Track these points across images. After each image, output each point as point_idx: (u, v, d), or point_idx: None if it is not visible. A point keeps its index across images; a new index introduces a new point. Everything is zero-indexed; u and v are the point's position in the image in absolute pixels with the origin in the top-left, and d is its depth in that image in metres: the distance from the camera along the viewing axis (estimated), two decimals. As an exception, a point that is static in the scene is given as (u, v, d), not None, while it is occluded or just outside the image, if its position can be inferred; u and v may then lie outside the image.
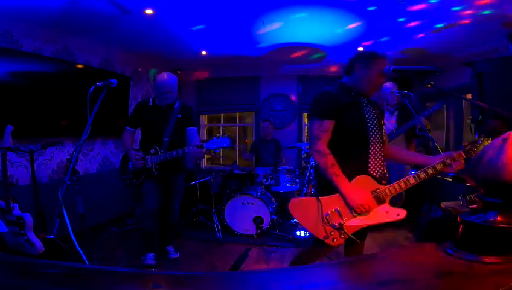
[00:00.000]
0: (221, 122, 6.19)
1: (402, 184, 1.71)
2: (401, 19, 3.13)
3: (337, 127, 1.74)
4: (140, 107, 2.91)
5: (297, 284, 0.88)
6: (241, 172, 4.54)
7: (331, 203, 1.68)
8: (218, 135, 2.61)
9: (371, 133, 1.77)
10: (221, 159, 5.06)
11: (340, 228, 1.65)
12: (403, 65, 1.77)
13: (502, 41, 3.10)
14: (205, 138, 5.81)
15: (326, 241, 1.66)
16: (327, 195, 1.69)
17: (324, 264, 1.51)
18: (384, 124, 1.89)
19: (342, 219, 1.67)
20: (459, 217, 0.93)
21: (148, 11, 2.99)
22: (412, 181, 1.70)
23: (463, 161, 1.69)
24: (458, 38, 3.52)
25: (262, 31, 3.56)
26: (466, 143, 1.73)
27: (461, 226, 0.92)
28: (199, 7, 2.94)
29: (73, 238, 1.60)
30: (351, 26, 3.37)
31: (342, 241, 1.67)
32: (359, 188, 1.68)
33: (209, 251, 3.31)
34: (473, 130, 2.32)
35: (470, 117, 2.47)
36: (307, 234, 3.28)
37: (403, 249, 1.00)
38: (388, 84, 3.68)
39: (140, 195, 2.85)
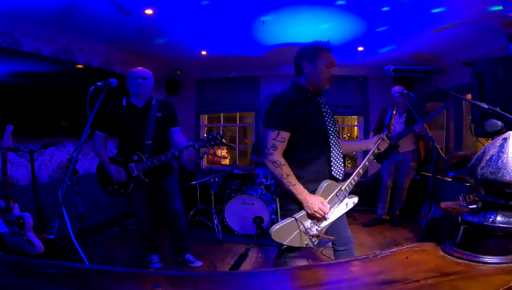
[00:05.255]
0: (221, 122, 6.20)
1: (356, 177, 1.86)
2: (401, 19, 3.13)
3: (298, 133, 1.73)
4: (113, 108, 2.53)
5: (297, 284, 0.88)
6: (241, 172, 4.54)
7: (307, 217, 1.75)
8: (213, 132, 2.49)
9: (331, 136, 1.80)
10: (221, 159, 5.06)
11: (319, 232, 1.75)
12: (403, 65, 1.76)
13: (502, 41, 3.10)
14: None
15: (309, 246, 1.74)
16: (293, 207, 1.75)
17: (324, 265, 1.52)
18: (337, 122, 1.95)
19: (319, 226, 1.75)
20: (459, 217, 0.93)
21: (148, 11, 2.99)
22: (361, 171, 1.88)
23: (387, 139, 1.95)
24: (458, 38, 3.52)
25: (262, 31, 3.56)
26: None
27: (461, 226, 0.92)
28: (199, 7, 2.94)
29: (73, 238, 1.60)
30: (351, 26, 3.37)
31: (318, 240, 1.78)
32: (327, 194, 1.76)
33: (209, 251, 3.32)
34: (473, 130, 2.31)
35: (470, 117, 2.47)
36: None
37: (403, 249, 0.99)
38: (397, 88, 3.74)
39: (131, 204, 2.66)
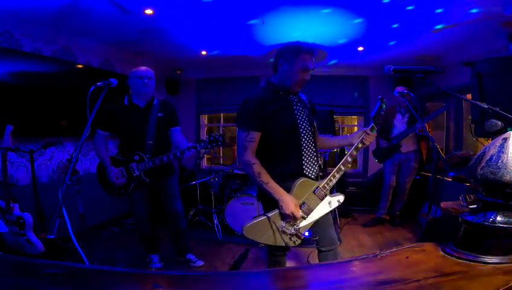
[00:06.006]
0: (221, 122, 6.20)
1: (336, 174, 1.79)
2: (401, 19, 3.13)
3: (268, 132, 1.73)
4: (115, 107, 2.54)
5: (297, 284, 0.88)
6: (241, 172, 4.53)
7: (281, 216, 1.74)
8: (214, 133, 2.52)
9: (302, 134, 1.77)
10: (221, 159, 5.06)
11: (297, 232, 1.74)
12: (403, 65, 1.76)
13: (502, 41, 3.10)
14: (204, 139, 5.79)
15: (289, 245, 1.74)
16: (272, 206, 1.74)
17: (324, 265, 1.52)
18: (313, 119, 1.88)
19: (296, 225, 1.74)
20: (459, 217, 0.93)
21: (148, 11, 2.99)
22: (343, 168, 1.79)
23: (374, 132, 1.83)
24: (458, 38, 3.52)
25: (262, 31, 3.56)
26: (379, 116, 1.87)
27: (461, 226, 0.92)
28: (199, 7, 2.94)
29: (73, 238, 1.60)
30: (351, 26, 3.37)
31: (300, 240, 1.78)
32: (302, 192, 1.74)
33: (209, 251, 3.31)
34: (473, 130, 2.31)
35: (470, 117, 2.47)
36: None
37: (403, 249, 0.99)
38: (399, 88, 3.76)
39: (131, 204, 2.68)
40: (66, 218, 1.59)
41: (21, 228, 2.33)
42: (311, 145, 1.81)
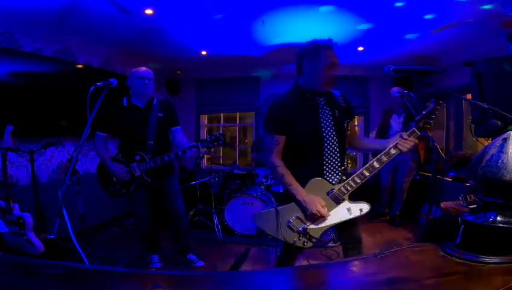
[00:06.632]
0: (221, 122, 6.20)
1: (357, 179, 1.67)
2: (401, 19, 3.13)
3: (290, 135, 1.73)
4: (114, 108, 2.54)
5: (297, 284, 0.88)
6: (241, 172, 4.54)
7: (291, 211, 1.72)
8: (215, 133, 2.52)
9: (326, 139, 1.73)
10: (221, 159, 5.06)
11: (305, 232, 1.70)
12: (403, 65, 1.75)
13: (502, 42, 3.10)
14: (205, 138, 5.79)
15: (297, 245, 1.71)
16: (288, 202, 1.74)
17: (325, 265, 1.52)
18: (342, 121, 1.81)
19: (305, 224, 1.71)
20: (459, 217, 0.93)
21: (148, 11, 2.99)
22: (366, 173, 1.65)
23: (416, 139, 1.64)
24: (458, 38, 3.52)
25: (262, 31, 3.56)
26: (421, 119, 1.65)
27: (461, 226, 0.92)
28: (199, 7, 2.94)
29: (73, 238, 1.60)
30: (350, 26, 3.37)
31: (311, 243, 1.72)
32: (314, 193, 1.69)
33: (209, 251, 3.31)
34: (473, 130, 2.31)
35: (470, 117, 2.47)
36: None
37: (403, 249, 0.99)
38: (396, 88, 3.76)
39: (132, 204, 2.67)
40: (66, 218, 1.59)
41: (21, 228, 2.33)
42: (335, 150, 1.75)
